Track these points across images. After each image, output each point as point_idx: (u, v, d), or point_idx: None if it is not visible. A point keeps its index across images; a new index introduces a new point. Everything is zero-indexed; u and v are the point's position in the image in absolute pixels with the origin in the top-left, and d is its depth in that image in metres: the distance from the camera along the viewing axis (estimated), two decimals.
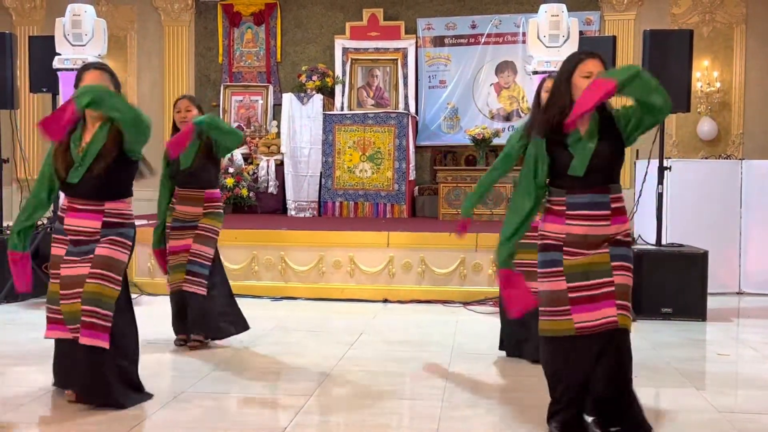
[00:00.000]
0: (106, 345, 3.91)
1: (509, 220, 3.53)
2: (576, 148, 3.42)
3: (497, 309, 6.95)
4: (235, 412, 4.07)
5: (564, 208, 3.47)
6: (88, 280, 3.93)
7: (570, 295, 3.44)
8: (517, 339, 5.13)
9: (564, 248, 3.47)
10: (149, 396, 4.17)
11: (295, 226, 8.48)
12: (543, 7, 6.95)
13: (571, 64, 3.47)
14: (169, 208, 5.48)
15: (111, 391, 3.97)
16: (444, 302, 7.30)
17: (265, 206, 10.83)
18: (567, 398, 3.51)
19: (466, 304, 7.21)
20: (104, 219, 3.98)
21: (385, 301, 7.42)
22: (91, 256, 3.96)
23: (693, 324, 6.49)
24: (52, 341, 4.13)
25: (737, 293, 7.95)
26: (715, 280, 7.38)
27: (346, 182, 10.50)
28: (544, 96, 4.90)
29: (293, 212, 10.48)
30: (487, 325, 6.42)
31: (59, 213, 4.09)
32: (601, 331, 3.43)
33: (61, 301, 3.98)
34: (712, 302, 6.81)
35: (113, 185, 4.00)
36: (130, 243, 4.08)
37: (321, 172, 10.57)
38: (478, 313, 6.93)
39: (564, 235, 3.47)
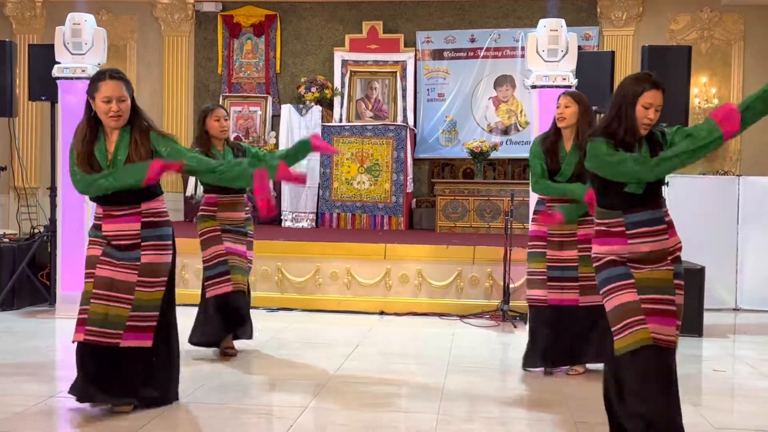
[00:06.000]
0: (148, 343, 4.06)
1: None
2: None
3: (494, 322, 6.97)
4: (230, 423, 4.05)
5: (623, 228, 3.43)
6: (138, 289, 4.01)
7: (644, 305, 3.36)
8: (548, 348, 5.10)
9: (628, 263, 3.43)
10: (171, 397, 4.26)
11: (292, 237, 8.47)
12: (542, 22, 6.97)
13: (638, 89, 3.42)
14: (207, 217, 5.48)
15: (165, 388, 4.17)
16: (440, 315, 7.29)
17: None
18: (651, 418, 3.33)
19: (462, 317, 7.20)
20: (143, 220, 4.04)
21: (382, 313, 7.41)
22: (138, 263, 4.02)
23: (689, 340, 6.47)
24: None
25: (733, 309, 7.94)
26: (712, 296, 7.38)
27: (344, 194, 10.50)
28: (558, 112, 5.03)
29: (289, 223, 10.47)
30: (484, 339, 6.42)
31: (94, 221, 4.13)
32: (665, 347, 3.36)
33: (92, 300, 4.00)
34: (708, 318, 6.80)
35: (145, 186, 4.02)
36: (170, 242, 4.15)
37: (319, 184, 10.57)
38: (475, 326, 6.91)
39: (627, 255, 3.43)
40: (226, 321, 5.44)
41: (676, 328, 3.40)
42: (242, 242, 5.51)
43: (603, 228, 3.50)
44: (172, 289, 4.23)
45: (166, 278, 4.13)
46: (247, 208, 5.61)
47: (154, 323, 4.11)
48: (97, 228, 4.10)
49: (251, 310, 5.66)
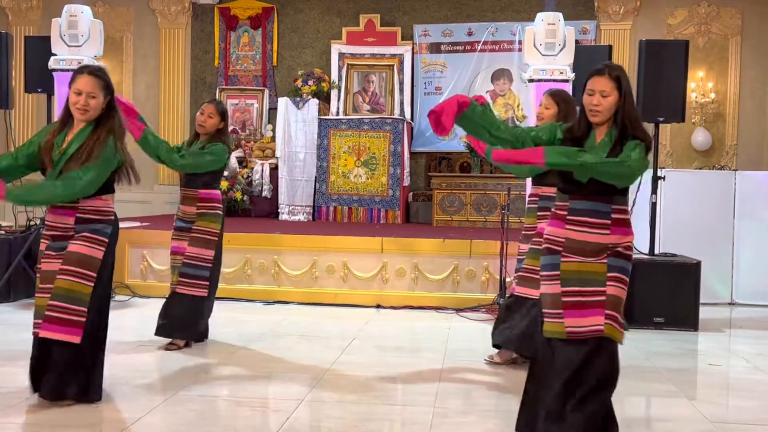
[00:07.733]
0: (76, 340, 3.94)
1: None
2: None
3: (490, 316, 6.97)
4: (226, 416, 4.05)
5: (565, 213, 3.52)
6: (58, 276, 3.98)
7: (563, 299, 3.48)
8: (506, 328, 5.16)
9: (563, 252, 3.51)
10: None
11: (288, 230, 8.47)
12: (539, 16, 6.97)
13: (586, 78, 3.54)
14: (178, 208, 5.61)
15: (84, 386, 4.01)
16: (437, 308, 7.30)
17: (259, 210, 10.82)
18: (538, 398, 3.56)
19: (458, 310, 7.21)
20: (77, 215, 4.02)
21: (378, 306, 7.42)
22: (63, 252, 4.02)
23: (685, 334, 6.50)
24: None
25: (729, 303, 7.96)
26: (708, 290, 7.39)
27: (341, 187, 10.50)
28: (538, 111, 5.09)
29: (285, 216, 10.47)
30: (480, 332, 6.42)
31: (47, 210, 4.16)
32: (589, 338, 3.44)
33: (36, 294, 4.07)
34: (704, 312, 6.82)
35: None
36: (106, 240, 4.06)
37: (315, 177, 10.57)
38: (471, 319, 6.92)
39: (563, 240, 3.51)
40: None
41: (606, 317, 3.41)
42: (185, 238, 5.47)
43: (555, 210, 3.61)
44: (108, 286, 4.15)
45: (95, 274, 4.00)
46: (199, 204, 5.44)
47: (82, 318, 3.95)
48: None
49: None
